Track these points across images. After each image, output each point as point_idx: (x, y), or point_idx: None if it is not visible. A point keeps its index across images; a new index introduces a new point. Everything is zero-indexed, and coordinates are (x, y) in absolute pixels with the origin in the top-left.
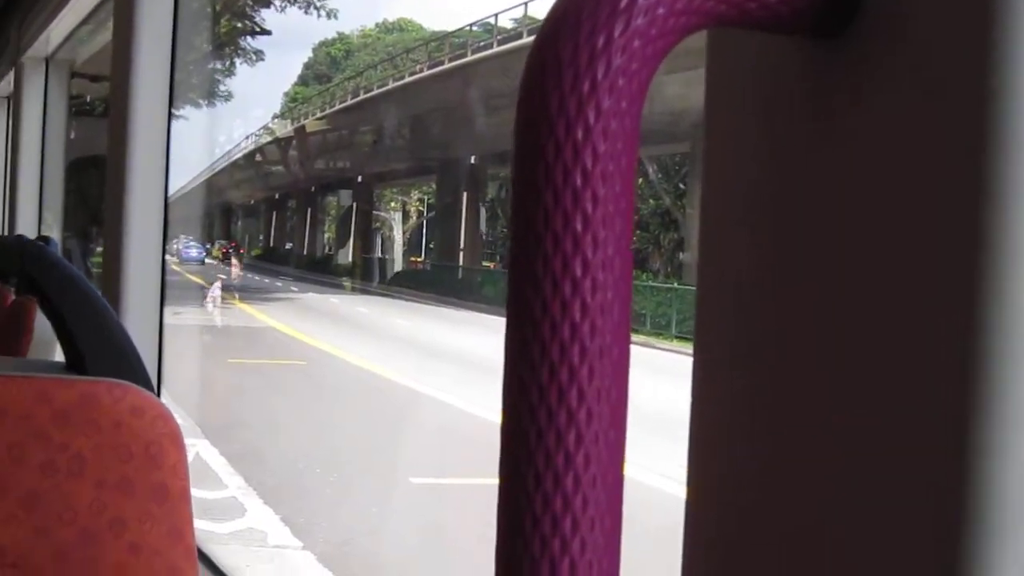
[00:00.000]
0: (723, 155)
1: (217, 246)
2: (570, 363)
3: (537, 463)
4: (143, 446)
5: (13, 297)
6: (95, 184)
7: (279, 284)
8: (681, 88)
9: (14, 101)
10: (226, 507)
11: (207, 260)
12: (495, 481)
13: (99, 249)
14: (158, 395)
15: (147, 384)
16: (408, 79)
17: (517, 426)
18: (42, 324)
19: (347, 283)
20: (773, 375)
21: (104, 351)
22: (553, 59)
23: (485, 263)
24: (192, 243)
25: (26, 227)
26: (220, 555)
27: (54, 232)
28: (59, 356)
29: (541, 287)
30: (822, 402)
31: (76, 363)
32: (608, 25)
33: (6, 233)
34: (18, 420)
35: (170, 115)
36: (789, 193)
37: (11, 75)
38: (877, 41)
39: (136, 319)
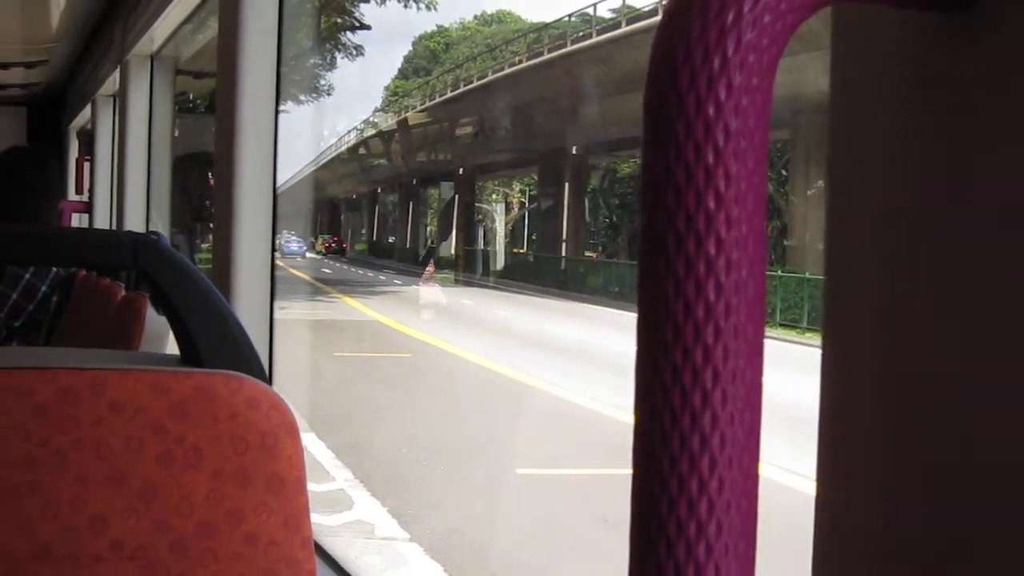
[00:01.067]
0: (851, 137)
1: (320, 240)
2: (704, 344)
3: (672, 445)
4: (259, 437)
5: (123, 293)
6: (198, 180)
7: (382, 277)
8: (782, 75)
9: (120, 99)
10: (334, 500)
11: (308, 254)
12: (603, 471)
13: (204, 245)
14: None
15: (262, 376)
16: (508, 70)
17: (651, 408)
18: (152, 319)
19: (450, 275)
20: (906, 369)
21: (219, 344)
22: (682, 36)
23: (588, 253)
24: (293, 237)
25: (134, 224)
26: (330, 547)
27: (161, 229)
28: (169, 351)
29: (673, 267)
30: (959, 397)
31: (191, 356)
32: (738, 1)
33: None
34: (135, 413)
35: (277, 110)
36: (921, 176)
37: (116, 73)
38: (1009, 12)
39: (247, 312)
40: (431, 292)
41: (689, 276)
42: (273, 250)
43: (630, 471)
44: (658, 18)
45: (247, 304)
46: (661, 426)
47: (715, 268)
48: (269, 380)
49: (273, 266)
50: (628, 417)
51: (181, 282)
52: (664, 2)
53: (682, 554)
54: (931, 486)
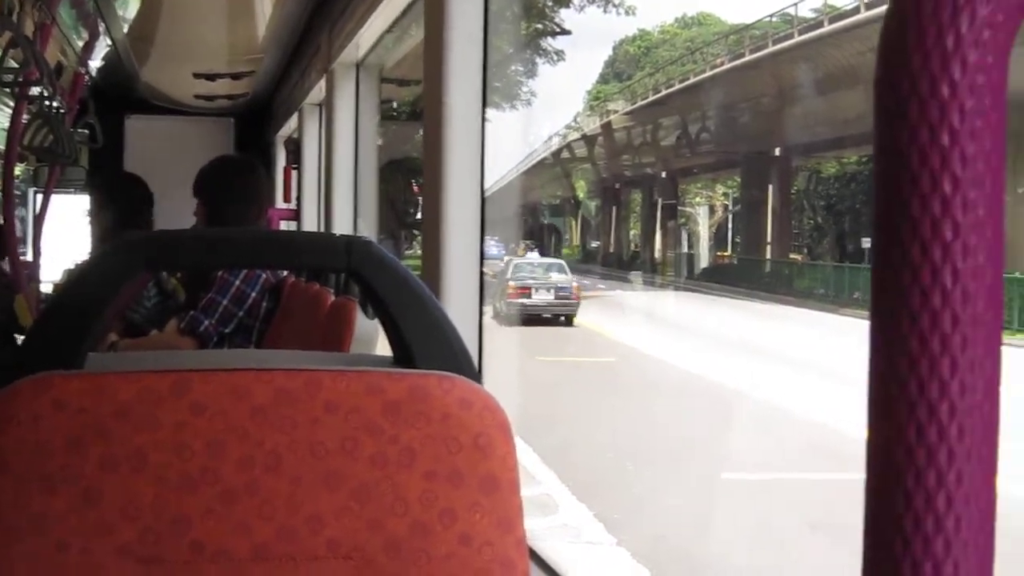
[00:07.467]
0: None
1: (522, 246)
2: (941, 332)
3: (908, 436)
4: (472, 437)
5: (332, 297)
6: (401, 187)
7: (586, 282)
8: None
9: (326, 107)
10: (540, 503)
11: (508, 259)
12: (811, 476)
13: (408, 251)
14: None
15: (474, 377)
16: (709, 73)
17: (886, 398)
18: (361, 323)
19: (653, 279)
20: None
21: (432, 344)
22: (913, 15)
23: (792, 256)
24: (492, 242)
25: (342, 230)
26: (539, 549)
27: (368, 235)
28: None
29: (908, 253)
30: None
31: (404, 357)
32: None
33: None
34: (350, 413)
35: (484, 116)
36: None
37: (322, 82)
38: None
39: (457, 314)
40: (636, 297)
41: (925, 262)
42: (482, 253)
43: (836, 476)
44: (860, 16)
45: (456, 306)
46: (897, 417)
47: (951, 253)
48: (480, 381)
49: (482, 270)
50: (828, 417)
51: (394, 283)
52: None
53: (919, 550)
54: None
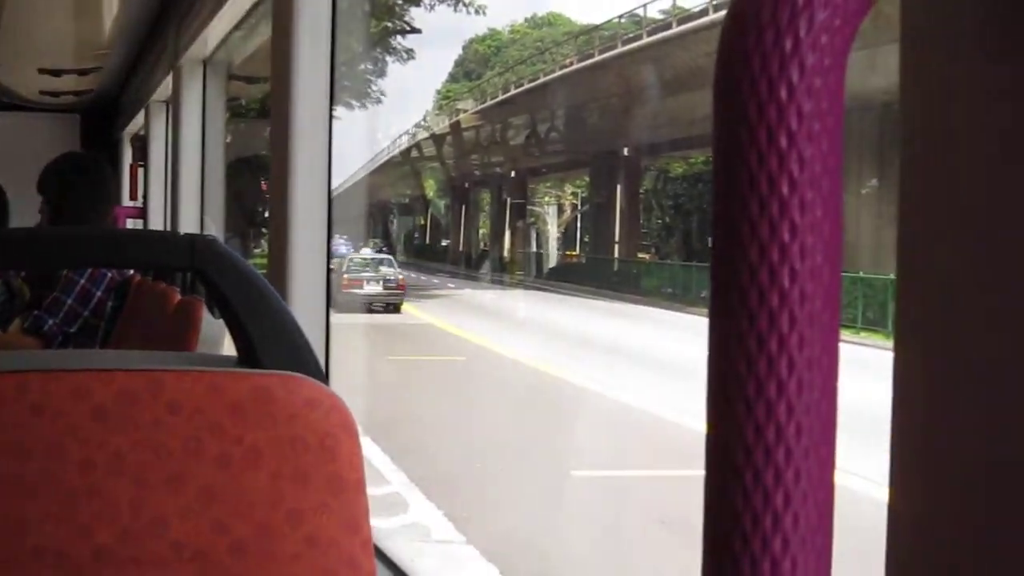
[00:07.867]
0: (924, 131)
1: (372, 244)
2: (779, 332)
3: (747, 436)
4: (318, 438)
5: (179, 296)
6: (250, 186)
7: (436, 281)
8: None
9: (173, 104)
10: (390, 503)
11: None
12: (657, 472)
13: (257, 250)
14: None
15: (320, 377)
16: (559, 73)
17: (725, 398)
18: (207, 323)
19: (503, 278)
20: (982, 372)
21: (277, 345)
22: (753, 18)
23: (641, 255)
24: (342, 241)
25: (188, 228)
26: (387, 549)
27: (215, 233)
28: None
29: (747, 254)
30: None
31: (248, 357)
32: None
33: None
34: (193, 414)
35: (331, 113)
36: (998, 171)
37: (169, 79)
38: None
39: (303, 314)
40: (486, 296)
41: (763, 263)
42: (329, 252)
43: (683, 473)
44: (708, 18)
45: (303, 306)
46: (735, 417)
47: (790, 254)
48: (327, 381)
49: (329, 268)
50: (684, 419)
51: (239, 282)
52: (715, 1)
53: (758, 548)
54: (1014, 488)
